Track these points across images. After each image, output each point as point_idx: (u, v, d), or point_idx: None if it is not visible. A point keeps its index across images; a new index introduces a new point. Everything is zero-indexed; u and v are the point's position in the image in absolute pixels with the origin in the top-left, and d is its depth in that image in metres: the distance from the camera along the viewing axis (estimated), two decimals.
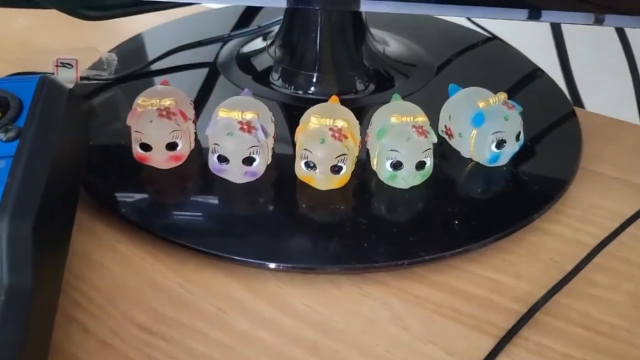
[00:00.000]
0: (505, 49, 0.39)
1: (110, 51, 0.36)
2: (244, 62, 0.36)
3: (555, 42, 0.39)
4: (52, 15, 0.34)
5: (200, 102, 0.33)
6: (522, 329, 0.23)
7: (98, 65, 0.34)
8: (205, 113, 0.32)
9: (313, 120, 0.27)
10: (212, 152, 0.27)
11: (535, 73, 0.37)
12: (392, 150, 0.26)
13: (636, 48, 0.38)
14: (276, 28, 0.36)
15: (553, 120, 0.33)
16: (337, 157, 0.26)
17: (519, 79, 0.36)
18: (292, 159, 0.28)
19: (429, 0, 0.26)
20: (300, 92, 0.33)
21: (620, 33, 0.37)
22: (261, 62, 0.36)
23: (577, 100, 0.40)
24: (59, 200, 0.22)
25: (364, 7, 0.26)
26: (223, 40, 0.37)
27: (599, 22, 0.26)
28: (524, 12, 0.27)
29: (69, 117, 0.24)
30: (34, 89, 0.24)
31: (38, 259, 0.19)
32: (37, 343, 0.19)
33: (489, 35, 0.40)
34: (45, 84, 0.24)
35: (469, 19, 0.40)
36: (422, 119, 0.27)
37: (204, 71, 0.36)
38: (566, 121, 0.33)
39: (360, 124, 0.29)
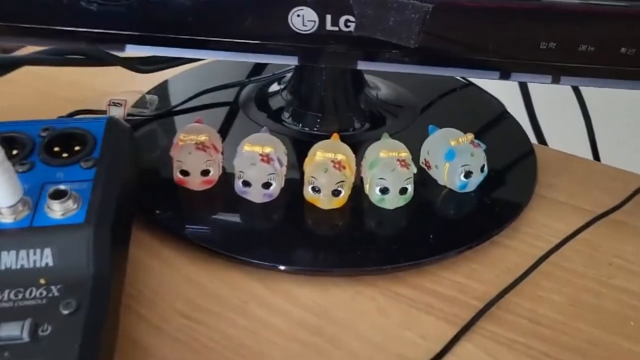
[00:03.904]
0: (479, 93, 0.46)
1: (149, 91, 0.43)
2: (261, 102, 0.43)
3: (521, 91, 0.46)
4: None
5: (224, 134, 0.40)
6: (480, 320, 0.30)
7: (141, 103, 0.41)
8: (228, 141, 0.39)
9: (318, 154, 0.34)
10: (238, 178, 0.34)
11: (503, 115, 0.44)
12: (380, 178, 0.33)
13: (586, 97, 0.45)
14: (288, 74, 0.44)
15: (514, 154, 0.40)
16: (337, 183, 0.33)
17: (488, 120, 0.43)
18: (300, 183, 0.35)
19: (416, 62, 0.33)
20: (307, 129, 0.40)
21: (575, 88, 0.44)
22: (275, 103, 0.43)
23: (541, 138, 0.47)
24: (124, 212, 0.29)
25: (360, 66, 0.33)
26: (243, 84, 0.44)
27: (556, 81, 0.33)
28: (496, 74, 0.32)
29: (129, 149, 0.31)
30: (104, 128, 0.31)
31: (113, 254, 0.26)
32: (113, 319, 0.26)
33: (466, 81, 0.47)
34: (112, 123, 0.31)
35: None
36: (404, 154, 0.34)
37: (226, 109, 0.43)
38: (525, 155, 0.40)
39: (357, 155, 0.36)
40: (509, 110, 0.45)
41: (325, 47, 0.32)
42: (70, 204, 0.26)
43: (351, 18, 0.30)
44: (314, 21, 0.31)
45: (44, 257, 0.25)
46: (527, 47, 0.30)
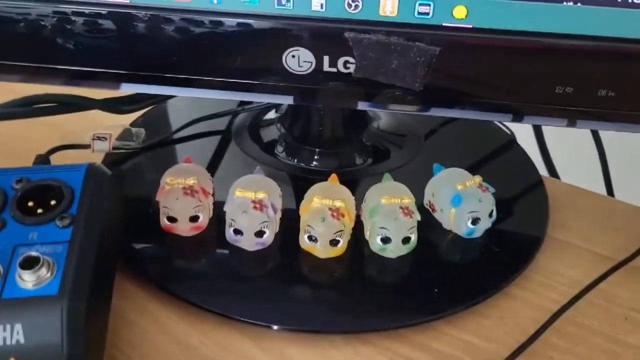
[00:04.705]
0: (485, 120, 0.44)
1: (135, 120, 0.40)
2: (255, 131, 0.41)
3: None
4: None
5: (215, 168, 0.38)
6: None
7: (127, 136, 0.38)
8: (219, 176, 0.36)
9: (315, 200, 0.31)
10: (229, 226, 0.31)
11: (509, 144, 0.41)
12: (381, 227, 0.31)
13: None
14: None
15: (523, 191, 0.37)
16: (335, 232, 0.31)
17: (494, 151, 0.40)
18: (295, 225, 0.32)
19: (422, 103, 0.30)
20: (302, 164, 0.38)
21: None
22: (269, 134, 0.40)
23: (551, 169, 0.45)
24: (104, 275, 0.27)
25: (361, 107, 0.30)
26: (236, 112, 0.42)
27: (572, 125, 0.31)
28: (509, 116, 0.30)
29: (111, 199, 0.29)
30: (83, 177, 0.28)
31: (89, 329, 0.24)
32: None
33: None
34: (92, 172, 0.29)
35: None
36: (408, 200, 0.32)
37: (217, 139, 0.41)
38: (535, 192, 0.37)
39: (357, 194, 0.33)
40: (518, 137, 0.42)
41: (322, 88, 0.29)
42: (43, 273, 0.24)
43: (350, 59, 0.28)
44: (310, 62, 0.28)
45: (15, 334, 0.23)
46: (541, 91, 0.28)
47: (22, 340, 0.23)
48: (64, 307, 0.23)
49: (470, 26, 0.26)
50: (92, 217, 0.27)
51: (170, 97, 0.40)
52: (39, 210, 0.27)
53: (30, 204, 0.27)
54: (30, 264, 0.24)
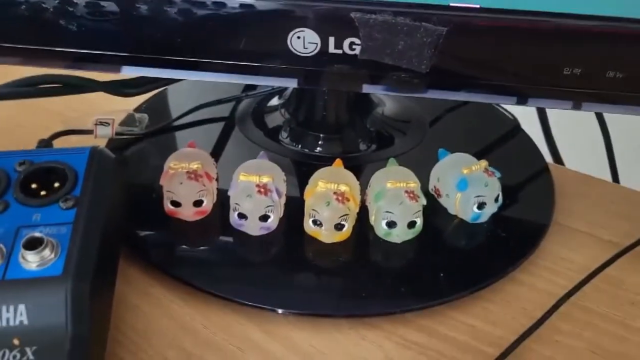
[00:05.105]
0: (490, 106, 0.43)
1: (139, 106, 0.40)
2: (258, 117, 0.41)
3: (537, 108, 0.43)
4: None
5: (219, 154, 0.38)
6: None
7: (130, 122, 0.38)
8: (223, 161, 0.36)
9: (320, 184, 0.31)
10: (233, 210, 0.31)
11: (515, 130, 0.41)
12: (387, 211, 0.31)
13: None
14: (288, 88, 0.41)
15: (528, 177, 0.37)
16: (340, 217, 0.31)
17: (500, 137, 0.40)
18: (300, 210, 0.32)
19: (427, 86, 0.30)
20: (307, 150, 0.38)
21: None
22: (273, 120, 0.40)
23: (556, 155, 0.45)
24: (108, 257, 0.27)
25: (365, 90, 0.30)
26: (239, 98, 0.41)
27: (577, 107, 0.30)
28: (513, 99, 0.30)
29: (115, 182, 0.29)
30: (87, 160, 0.28)
31: (93, 311, 0.24)
32: None
33: None
34: (96, 155, 0.28)
35: None
36: (413, 184, 0.31)
37: (221, 125, 0.40)
38: (541, 178, 0.37)
39: (362, 180, 0.33)
40: (522, 123, 0.42)
41: (327, 70, 0.29)
42: (46, 254, 0.24)
43: (356, 40, 0.27)
44: (316, 43, 0.28)
45: (18, 315, 0.23)
46: (549, 72, 0.28)
47: (25, 321, 0.23)
48: (68, 287, 0.23)
49: (478, 6, 0.26)
50: (96, 199, 0.26)
51: (176, 80, 0.40)
52: (42, 193, 0.27)
53: (34, 186, 0.27)
54: (33, 244, 0.24)
